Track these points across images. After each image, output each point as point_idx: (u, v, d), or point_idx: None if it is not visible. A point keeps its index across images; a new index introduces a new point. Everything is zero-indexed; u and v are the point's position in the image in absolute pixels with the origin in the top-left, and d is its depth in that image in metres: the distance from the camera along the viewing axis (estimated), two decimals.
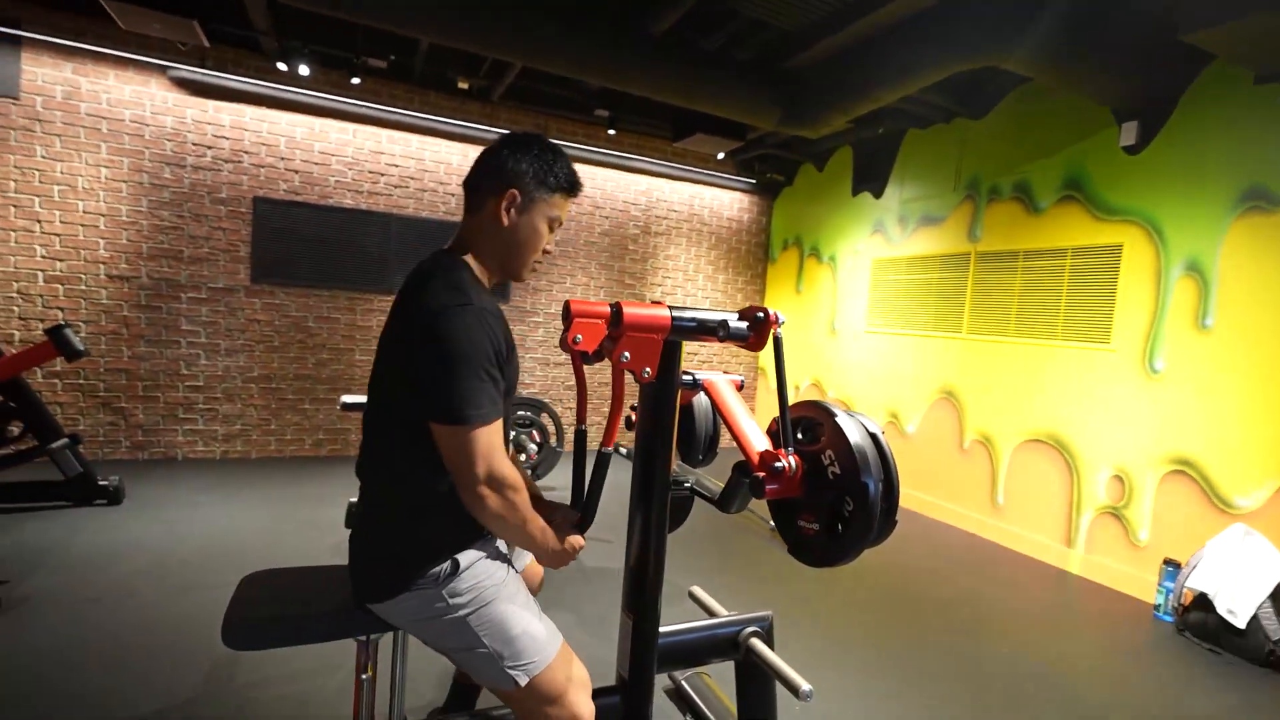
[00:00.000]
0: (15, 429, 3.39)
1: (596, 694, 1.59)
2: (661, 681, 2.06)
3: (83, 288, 4.18)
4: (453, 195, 5.10)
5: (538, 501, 1.37)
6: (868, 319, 5.16)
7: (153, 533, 3.19)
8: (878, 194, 5.11)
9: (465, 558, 1.18)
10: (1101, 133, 3.60)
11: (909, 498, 4.67)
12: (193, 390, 4.49)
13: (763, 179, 6.12)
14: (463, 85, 4.63)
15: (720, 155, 5.63)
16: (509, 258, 1.25)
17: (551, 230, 1.29)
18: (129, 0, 3.40)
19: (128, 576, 2.70)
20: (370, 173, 4.83)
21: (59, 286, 4.13)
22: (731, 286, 6.32)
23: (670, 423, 1.43)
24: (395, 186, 4.92)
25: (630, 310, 1.27)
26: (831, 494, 1.28)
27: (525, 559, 1.48)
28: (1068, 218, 3.76)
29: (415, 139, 4.94)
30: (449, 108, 4.97)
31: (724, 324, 1.29)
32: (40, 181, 4.03)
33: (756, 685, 1.67)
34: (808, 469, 1.32)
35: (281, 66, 4.17)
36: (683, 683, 2.05)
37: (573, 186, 1.27)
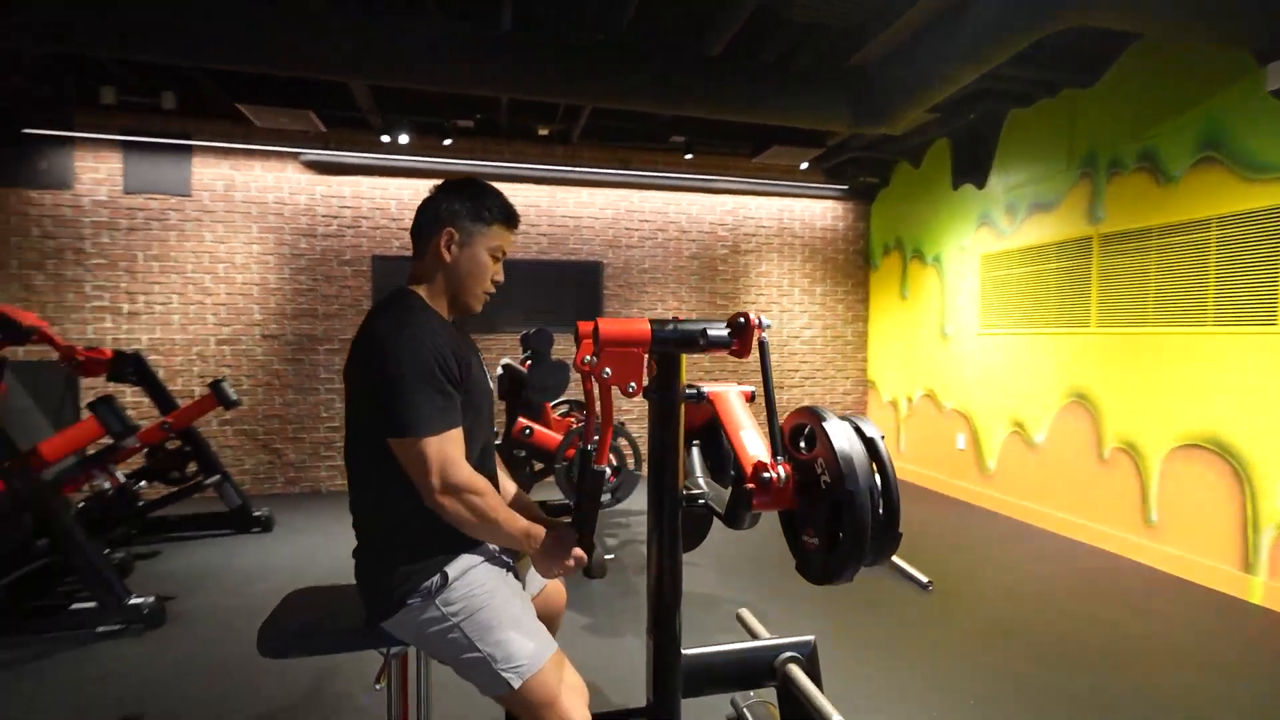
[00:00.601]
0: (192, 467, 4.03)
1: (624, 715, 1.57)
2: (724, 708, 2.00)
3: (243, 347, 4.90)
4: (544, 236, 5.39)
5: (527, 510, 1.41)
6: (981, 320, 4.72)
7: (295, 556, 3.62)
8: (981, 184, 4.70)
9: (454, 568, 1.24)
10: (1242, 80, 3.08)
11: (1040, 514, 4.15)
12: (331, 430, 5.07)
13: (855, 183, 5.86)
14: (543, 132, 4.93)
15: (803, 165, 5.47)
16: (458, 291, 1.33)
17: (496, 260, 1.36)
18: (259, 103, 4.03)
19: (267, 594, 3.08)
20: None
21: (226, 348, 4.88)
22: (831, 298, 6.07)
23: (675, 438, 1.42)
24: None
25: (608, 326, 1.29)
26: (824, 505, 1.19)
27: (536, 585, 1.51)
28: (1208, 183, 3.23)
29: (506, 187, 5.26)
30: (535, 154, 5.29)
31: (704, 332, 1.27)
32: (209, 261, 4.82)
33: (797, 716, 1.57)
34: (801, 479, 1.24)
35: (385, 139, 4.69)
36: (744, 709, 1.97)
37: (508, 217, 1.35)
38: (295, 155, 4.88)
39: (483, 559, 1.29)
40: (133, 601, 2.67)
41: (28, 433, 3.07)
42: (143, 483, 3.64)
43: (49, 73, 4.12)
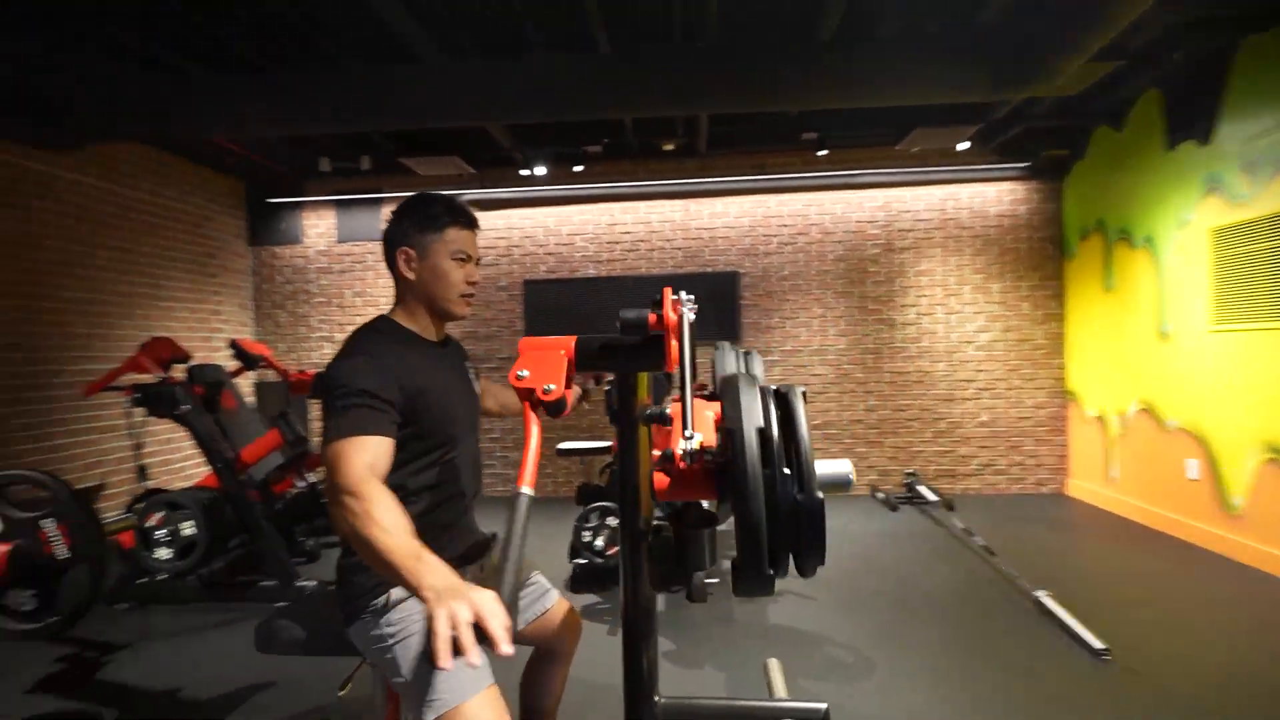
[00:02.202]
0: None
1: None
2: None
3: None
4: (679, 250, 5.40)
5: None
6: (1212, 313, 3.67)
7: None
8: (1205, 139, 3.68)
9: (397, 593, 1.27)
10: None
11: None
12: (491, 440, 5.59)
13: (1040, 159, 4.95)
14: (668, 147, 4.95)
15: (961, 146, 4.77)
16: (430, 303, 1.36)
17: (465, 262, 1.36)
18: (417, 155, 4.64)
19: None
20: (608, 243, 5.46)
21: None
22: (1013, 295, 5.18)
23: (633, 461, 1.32)
24: (629, 251, 5.45)
25: (528, 339, 1.25)
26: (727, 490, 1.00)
27: (536, 609, 1.50)
28: None
29: (642, 205, 5.43)
30: (667, 170, 5.34)
31: (618, 317, 1.16)
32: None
33: None
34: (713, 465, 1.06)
35: (524, 172, 5.09)
36: None
37: (457, 217, 1.35)
38: (458, 197, 5.51)
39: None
40: (300, 584, 3.20)
41: (249, 440, 3.85)
42: None
43: (281, 153, 5.18)
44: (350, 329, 5.43)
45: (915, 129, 4.15)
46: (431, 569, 0.95)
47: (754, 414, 0.93)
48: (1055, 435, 5.15)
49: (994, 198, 5.17)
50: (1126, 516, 4.38)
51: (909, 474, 4.91)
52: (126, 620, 3.13)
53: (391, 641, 1.24)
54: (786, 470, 0.95)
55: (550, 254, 5.52)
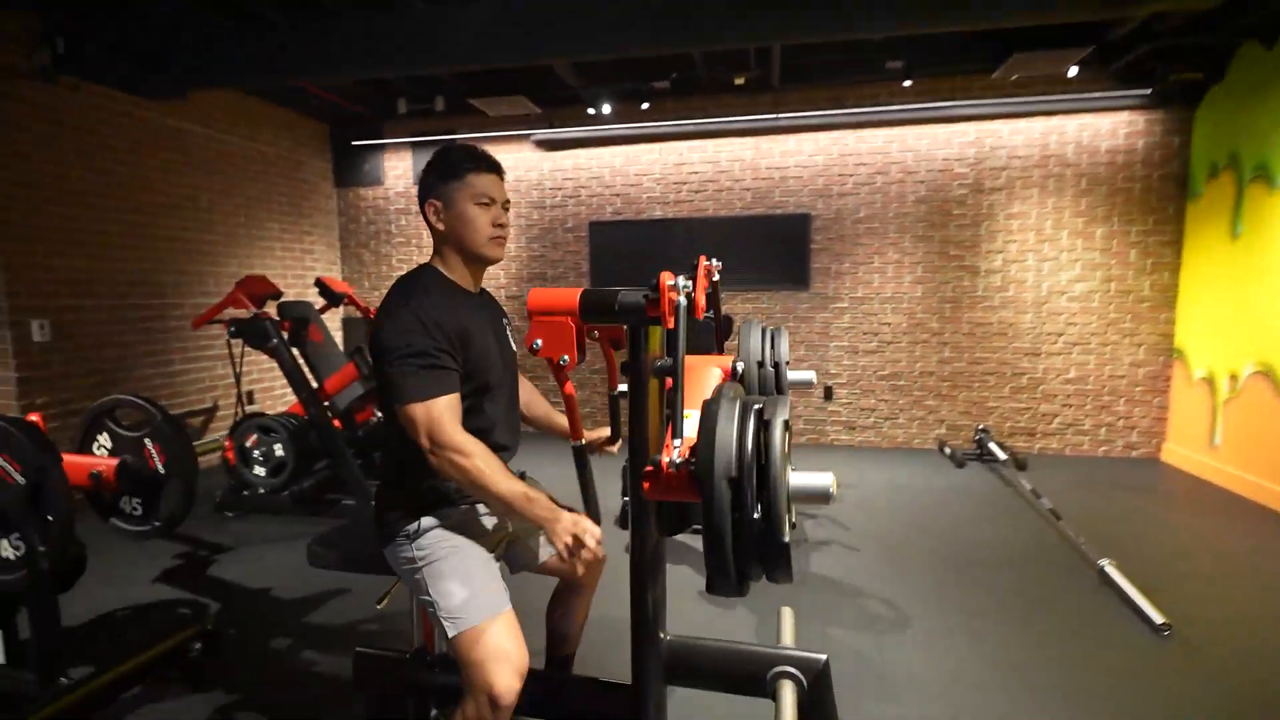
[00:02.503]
0: None
1: (604, 685, 1.59)
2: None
3: None
4: (748, 191, 5.22)
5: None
6: None
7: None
8: None
9: (427, 521, 1.39)
10: None
11: None
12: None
13: (1167, 84, 4.34)
14: (739, 81, 4.71)
15: (1071, 71, 4.24)
16: (462, 249, 1.40)
17: (490, 206, 1.38)
18: (485, 95, 4.66)
19: None
20: (674, 183, 5.35)
21: None
22: (1120, 241, 4.69)
23: (643, 413, 1.34)
24: (696, 192, 5.32)
25: (536, 296, 1.27)
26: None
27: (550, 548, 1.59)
28: None
29: (710, 144, 5.24)
30: (739, 105, 5.11)
31: (615, 296, 1.17)
32: None
33: None
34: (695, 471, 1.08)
35: (590, 111, 5.01)
36: None
37: (477, 162, 1.37)
38: (527, 137, 5.53)
39: (441, 523, 1.39)
40: None
41: (335, 371, 4.18)
42: None
43: (362, 96, 5.35)
44: None
45: (1013, 55, 3.72)
46: (540, 504, 1.28)
47: (726, 452, 0.91)
48: (1153, 396, 4.72)
49: (1107, 130, 4.62)
50: (1226, 487, 4.02)
51: (980, 430, 4.69)
52: (232, 526, 3.57)
53: (421, 564, 1.37)
54: (755, 498, 0.93)
55: (617, 195, 5.48)
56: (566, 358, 1.26)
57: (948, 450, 4.75)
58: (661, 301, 1.14)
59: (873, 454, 5.01)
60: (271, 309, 3.84)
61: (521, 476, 1.67)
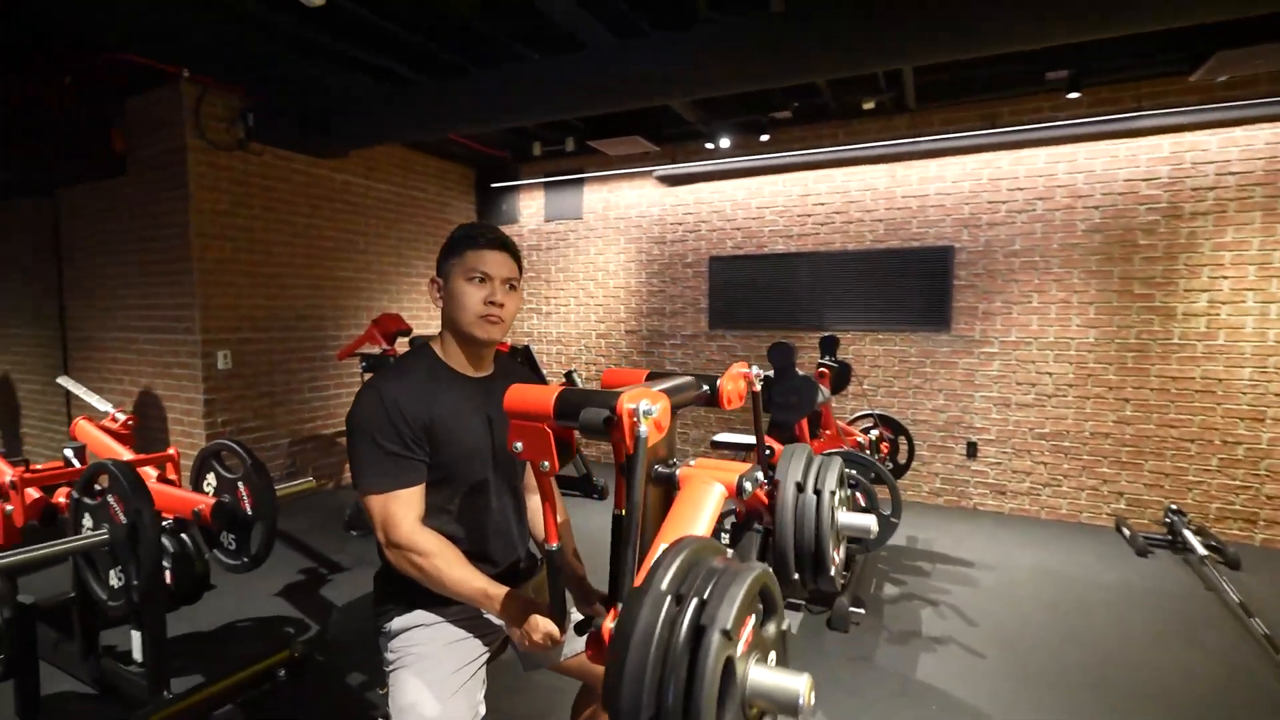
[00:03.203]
0: None
1: None
2: None
3: (612, 340, 5.92)
4: (880, 222, 4.78)
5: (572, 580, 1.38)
6: None
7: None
8: None
9: (399, 622, 1.34)
10: None
11: None
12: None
13: None
14: (868, 105, 4.33)
15: None
16: (455, 327, 1.36)
17: (484, 283, 1.32)
18: (605, 137, 4.74)
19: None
20: (799, 216, 5.06)
21: (601, 340, 5.97)
22: None
23: (631, 529, 1.19)
24: (821, 224, 4.98)
25: (514, 394, 1.17)
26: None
27: (579, 643, 1.46)
28: None
29: (839, 173, 4.89)
30: (869, 131, 4.71)
31: (577, 413, 1.03)
32: (592, 270, 5.95)
33: None
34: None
35: (709, 145, 4.90)
36: None
37: (472, 239, 1.34)
38: (650, 173, 5.55)
39: (438, 620, 1.33)
40: None
41: None
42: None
43: (501, 141, 5.73)
44: (555, 302, 5.70)
45: (1215, 52, 3.01)
46: (498, 602, 1.19)
47: (635, 682, 0.74)
48: None
49: None
50: None
51: (1173, 510, 3.80)
52: (354, 545, 3.88)
53: (390, 667, 1.33)
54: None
55: (737, 228, 5.29)
56: (546, 464, 1.15)
57: (1127, 531, 3.91)
58: (621, 427, 0.99)
59: (1026, 526, 4.28)
60: (402, 345, 4.18)
61: (536, 561, 1.58)
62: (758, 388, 1.44)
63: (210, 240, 4.23)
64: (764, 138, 4.74)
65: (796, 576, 1.33)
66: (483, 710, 1.35)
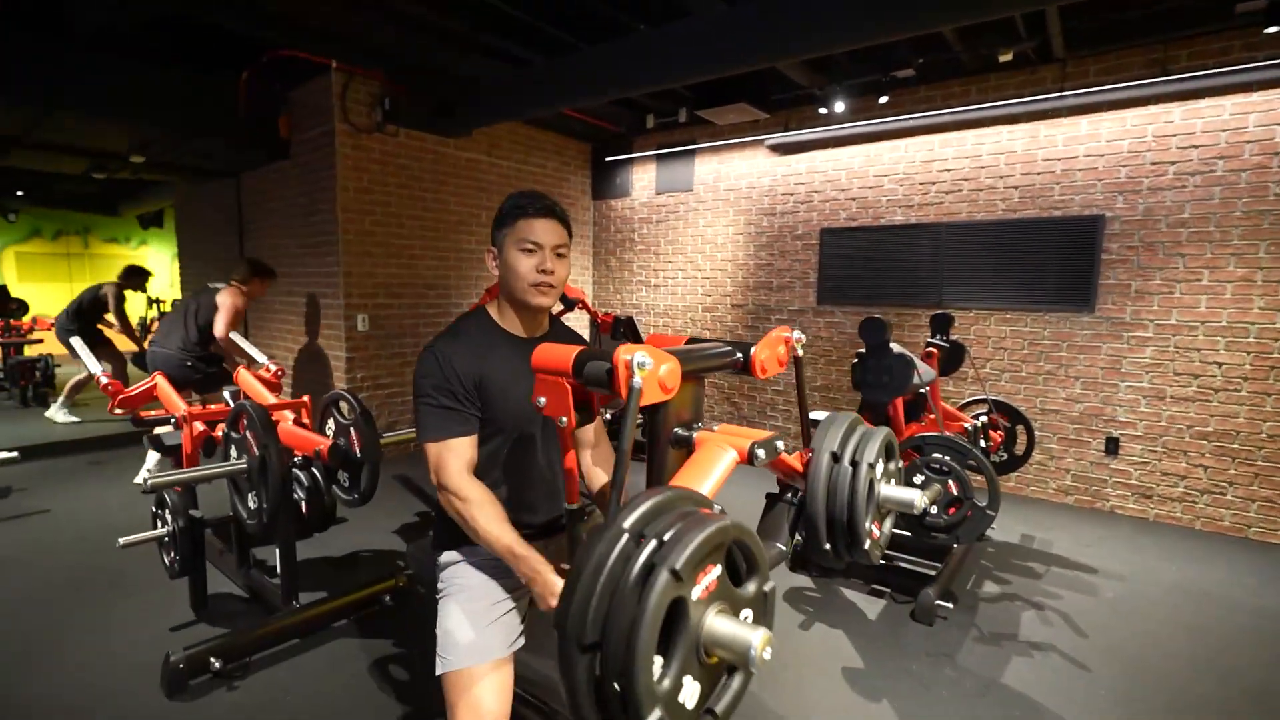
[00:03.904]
0: None
1: None
2: None
3: (718, 314, 5.88)
4: (1015, 189, 4.30)
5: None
6: None
7: None
8: None
9: (449, 555, 1.47)
10: None
11: None
12: (777, 392, 5.56)
13: None
14: (1005, 57, 3.88)
15: None
16: (509, 295, 1.45)
17: (535, 252, 1.39)
18: (713, 106, 4.67)
19: None
20: (920, 184, 4.69)
21: (708, 314, 5.95)
22: None
23: (620, 465, 1.20)
24: (946, 193, 4.58)
25: (540, 352, 1.22)
26: None
27: None
28: None
29: (970, 135, 4.45)
30: (1007, 87, 4.23)
31: (582, 366, 1.07)
32: (701, 243, 5.92)
33: None
34: None
35: (823, 111, 4.65)
36: None
37: (522, 208, 1.40)
38: (761, 142, 5.38)
39: (482, 557, 1.45)
40: None
41: None
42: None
43: (616, 115, 5.82)
44: (663, 274, 5.77)
45: None
46: (524, 561, 1.23)
47: (580, 615, 0.78)
48: None
49: None
50: None
51: None
52: None
53: (438, 595, 1.47)
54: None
55: (852, 199, 5.01)
56: (565, 419, 1.20)
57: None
58: (616, 378, 1.02)
59: (1173, 535, 3.75)
60: None
61: (578, 513, 1.65)
62: (800, 352, 1.40)
63: (353, 215, 4.73)
64: (883, 100, 4.42)
65: (828, 546, 1.29)
66: (520, 642, 1.46)
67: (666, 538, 0.80)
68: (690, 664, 0.80)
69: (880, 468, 1.31)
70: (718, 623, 0.80)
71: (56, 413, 5.89)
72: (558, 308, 4.73)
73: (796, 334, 1.39)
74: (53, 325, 5.68)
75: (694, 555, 0.77)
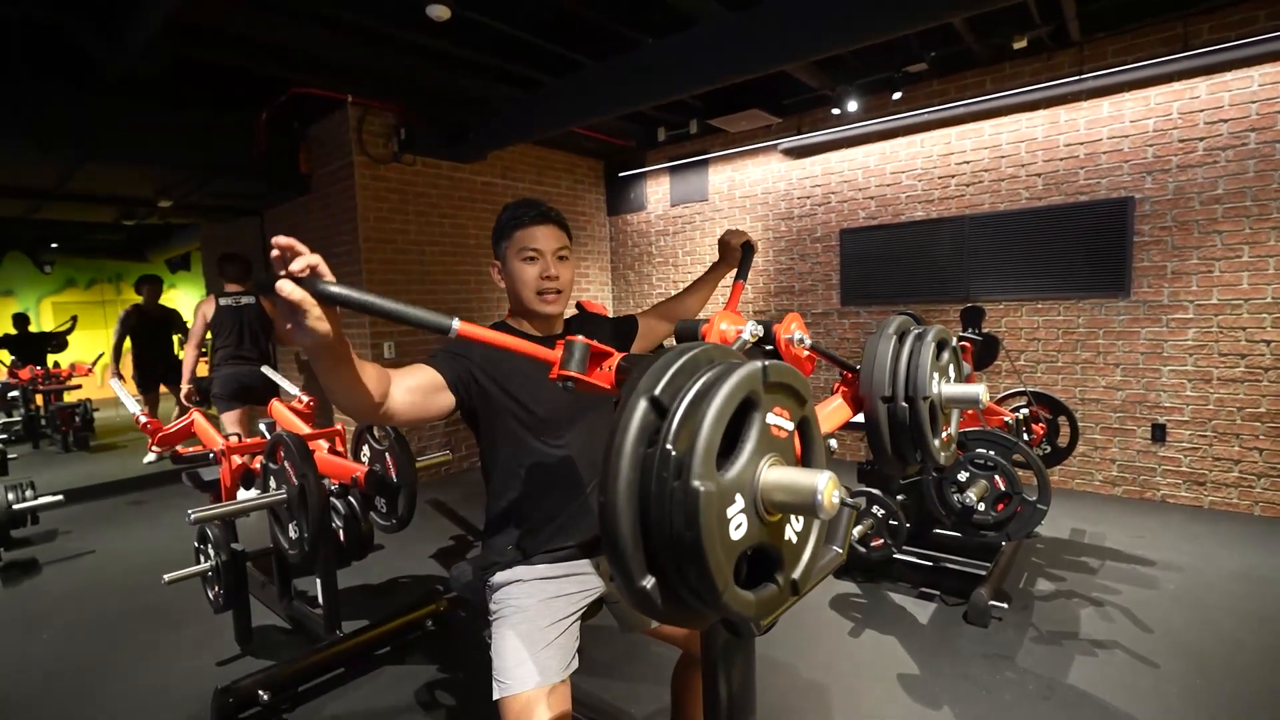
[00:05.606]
0: None
1: None
2: None
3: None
4: (1038, 176, 4.23)
5: None
6: None
7: None
8: None
9: (499, 578, 1.44)
10: None
11: None
12: None
13: None
14: (1019, 45, 3.83)
15: None
16: (518, 305, 1.45)
17: (536, 259, 1.38)
18: (724, 114, 4.67)
19: None
20: (939, 178, 4.63)
21: None
22: None
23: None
24: (967, 185, 4.52)
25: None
26: None
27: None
28: None
29: (988, 125, 4.39)
30: (1025, 74, 4.17)
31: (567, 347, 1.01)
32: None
33: None
34: None
35: (835, 111, 4.62)
36: None
37: (519, 218, 1.39)
38: (774, 147, 5.37)
39: (535, 578, 1.42)
40: None
41: None
42: None
43: (627, 130, 5.86)
44: (682, 285, 5.81)
45: None
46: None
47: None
48: None
49: None
50: None
51: None
52: None
53: (492, 618, 1.44)
54: None
55: (870, 197, 4.96)
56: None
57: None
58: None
59: (1230, 522, 3.60)
60: None
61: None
62: (805, 353, 1.20)
63: (375, 244, 4.80)
64: (896, 96, 4.39)
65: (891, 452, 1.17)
66: (575, 664, 1.43)
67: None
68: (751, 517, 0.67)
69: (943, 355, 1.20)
70: (774, 472, 0.68)
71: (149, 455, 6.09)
72: (570, 311, 4.76)
73: (798, 336, 1.27)
74: (102, 372, 5.91)
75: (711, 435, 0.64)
